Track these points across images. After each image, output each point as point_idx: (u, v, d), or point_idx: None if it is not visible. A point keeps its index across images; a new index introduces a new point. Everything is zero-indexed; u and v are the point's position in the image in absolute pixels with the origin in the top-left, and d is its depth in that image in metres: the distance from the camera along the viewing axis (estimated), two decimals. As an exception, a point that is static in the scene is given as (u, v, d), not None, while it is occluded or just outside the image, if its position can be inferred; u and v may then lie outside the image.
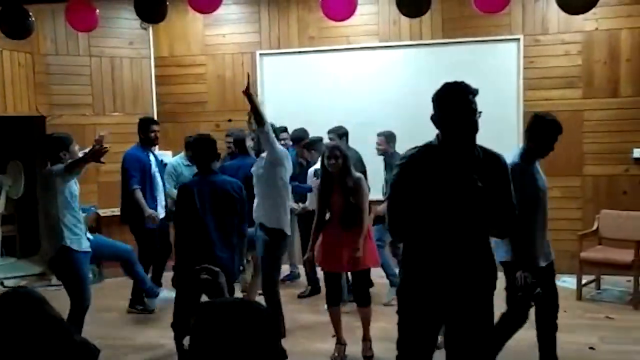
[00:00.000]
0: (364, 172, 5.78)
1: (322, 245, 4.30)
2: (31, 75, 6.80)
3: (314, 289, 5.93)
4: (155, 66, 7.50)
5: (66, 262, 4.18)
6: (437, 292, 2.56)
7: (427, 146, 2.61)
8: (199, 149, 4.00)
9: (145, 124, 5.69)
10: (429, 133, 6.07)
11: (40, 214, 4.33)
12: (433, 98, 2.61)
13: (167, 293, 4.87)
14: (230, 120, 7.01)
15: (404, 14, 3.93)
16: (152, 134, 5.62)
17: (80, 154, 4.34)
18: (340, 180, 4.23)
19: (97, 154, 3.99)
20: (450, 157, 2.53)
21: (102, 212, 6.99)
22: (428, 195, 2.49)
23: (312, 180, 5.39)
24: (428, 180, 2.50)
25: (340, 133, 5.77)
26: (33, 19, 4.22)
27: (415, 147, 2.62)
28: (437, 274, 2.55)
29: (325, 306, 4.50)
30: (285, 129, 5.98)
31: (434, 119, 2.59)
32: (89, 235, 4.44)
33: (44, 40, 6.72)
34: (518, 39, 6.41)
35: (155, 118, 7.31)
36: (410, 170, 2.54)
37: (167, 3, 3.92)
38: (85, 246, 4.28)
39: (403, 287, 2.68)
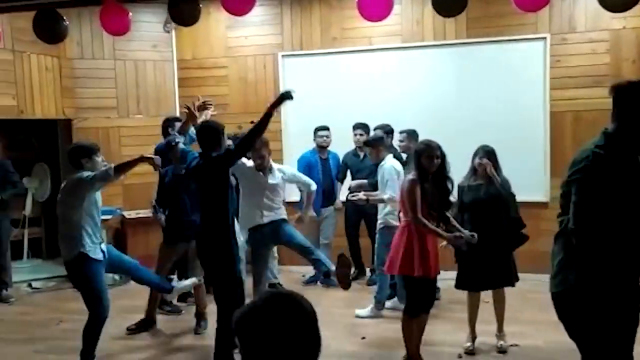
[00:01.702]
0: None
1: (426, 252, 4.03)
2: (58, 78, 6.88)
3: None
4: (178, 69, 7.55)
5: (84, 269, 4.15)
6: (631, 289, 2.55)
7: (610, 143, 2.52)
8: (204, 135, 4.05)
9: (170, 123, 5.69)
10: (452, 133, 6.09)
11: (59, 219, 4.26)
12: (622, 92, 2.56)
13: (178, 283, 4.80)
14: (252, 122, 6.98)
15: (440, 14, 3.88)
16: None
17: (103, 165, 4.31)
18: (437, 179, 4.09)
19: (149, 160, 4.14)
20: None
21: (127, 214, 7.04)
22: (625, 193, 2.45)
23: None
24: (623, 178, 2.46)
25: (387, 131, 5.82)
26: (67, 23, 4.24)
27: (595, 146, 2.53)
28: (630, 275, 2.54)
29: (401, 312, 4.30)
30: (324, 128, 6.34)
31: (622, 113, 2.55)
32: (102, 246, 4.36)
33: (70, 44, 6.78)
34: (544, 38, 6.34)
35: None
36: (600, 169, 2.48)
37: (200, 6, 3.93)
38: (100, 256, 4.25)
39: (590, 288, 2.55)
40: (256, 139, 4.11)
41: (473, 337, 4.54)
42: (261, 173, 4.71)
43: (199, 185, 4.06)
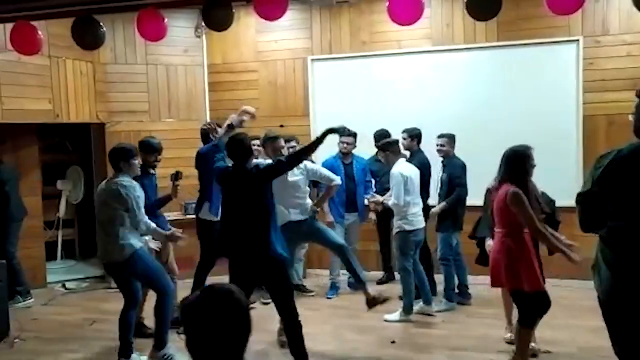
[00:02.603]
0: (429, 177, 5.77)
1: (532, 264, 3.85)
2: (92, 83, 7.01)
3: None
4: (209, 73, 7.64)
5: (142, 262, 4.34)
6: None
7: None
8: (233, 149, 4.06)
9: (207, 133, 5.76)
10: (483, 137, 6.01)
11: (103, 223, 4.39)
12: None
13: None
14: (282, 126, 7.06)
15: (473, 18, 3.86)
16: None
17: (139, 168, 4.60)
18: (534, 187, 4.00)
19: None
20: None
21: (158, 217, 7.12)
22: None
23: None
24: None
25: (413, 135, 5.81)
26: (104, 29, 4.34)
27: (626, 147, 2.65)
28: None
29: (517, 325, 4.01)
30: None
31: None
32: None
33: (104, 49, 6.88)
34: (577, 41, 6.25)
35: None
36: (620, 169, 2.59)
37: (233, 11, 3.98)
38: (141, 243, 4.45)
39: (619, 291, 2.59)
40: (304, 158, 4.17)
41: (512, 330, 4.55)
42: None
43: (236, 196, 3.99)
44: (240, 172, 3.98)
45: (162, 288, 4.44)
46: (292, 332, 3.97)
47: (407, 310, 5.31)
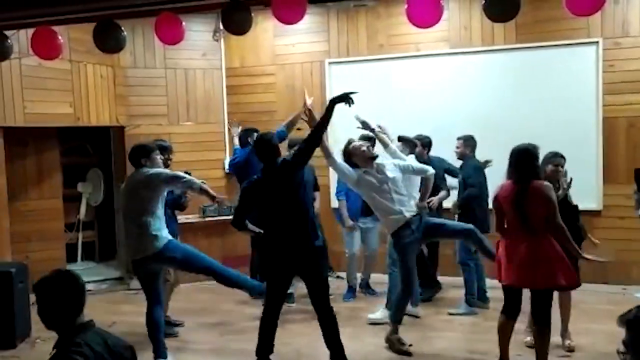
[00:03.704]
0: (445, 180, 5.77)
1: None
2: (112, 87, 7.11)
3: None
4: (227, 76, 7.69)
5: (178, 247, 4.42)
6: None
7: None
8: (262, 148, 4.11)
9: (249, 133, 5.90)
10: (502, 140, 5.97)
11: (134, 215, 4.40)
12: None
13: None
14: (299, 129, 7.07)
15: (492, 20, 3.84)
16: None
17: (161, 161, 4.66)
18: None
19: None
20: None
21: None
22: None
23: None
24: None
25: (424, 142, 5.80)
26: (125, 33, 4.39)
27: None
28: None
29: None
30: None
31: None
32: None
33: (124, 53, 6.95)
34: (597, 42, 6.19)
35: (227, 127, 7.58)
36: None
37: (252, 15, 4.02)
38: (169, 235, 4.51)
39: None
40: (322, 134, 4.17)
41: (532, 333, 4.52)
42: (377, 173, 4.61)
43: (272, 197, 4.02)
44: (272, 170, 4.05)
45: (210, 265, 4.44)
46: (327, 325, 4.08)
47: (414, 301, 5.31)
